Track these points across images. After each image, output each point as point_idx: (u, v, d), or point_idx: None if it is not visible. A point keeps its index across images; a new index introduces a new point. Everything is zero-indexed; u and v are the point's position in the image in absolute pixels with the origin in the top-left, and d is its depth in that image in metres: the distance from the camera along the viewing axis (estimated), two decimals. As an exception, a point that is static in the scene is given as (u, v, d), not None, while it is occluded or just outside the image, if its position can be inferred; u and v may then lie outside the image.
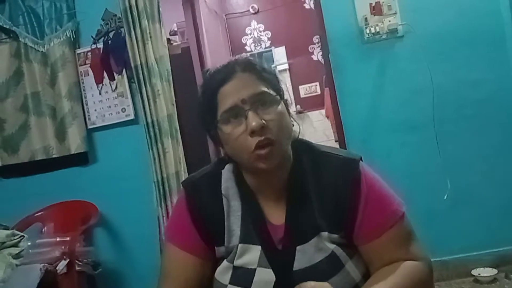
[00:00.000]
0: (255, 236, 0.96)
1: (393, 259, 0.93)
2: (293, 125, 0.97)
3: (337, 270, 0.91)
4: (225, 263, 0.97)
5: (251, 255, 0.94)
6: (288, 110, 0.97)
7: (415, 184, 2.36)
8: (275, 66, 5.26)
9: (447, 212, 2.40)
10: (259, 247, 0.94)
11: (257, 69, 0.93)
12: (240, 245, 0.95)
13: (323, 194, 0.95)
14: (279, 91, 0.95)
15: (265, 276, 0.92)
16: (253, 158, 0.90)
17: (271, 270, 0.93)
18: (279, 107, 0.92)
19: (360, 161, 0.98)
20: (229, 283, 0.94)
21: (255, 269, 0.93)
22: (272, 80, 0.95)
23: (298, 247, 0.93)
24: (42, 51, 2.69)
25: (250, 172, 0.98)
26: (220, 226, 0.98)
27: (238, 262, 0.95)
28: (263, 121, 0.87)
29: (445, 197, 2.35)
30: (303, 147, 1.01)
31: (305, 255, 0.92)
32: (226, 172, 1.02)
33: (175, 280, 0.99)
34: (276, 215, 0.97)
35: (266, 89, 0.91)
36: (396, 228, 0.94)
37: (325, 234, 0.93)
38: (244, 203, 0.98)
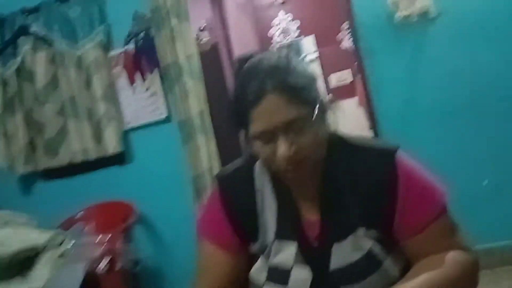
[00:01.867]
0: (291, 232, 0.94)
1: (437, 252, 0.89)
2: (327, 125, 0.92)
3: (375, 268, 0.89)
4: (261, 260, 0.96)
5: (287, 252, 0.93)
6: (324, 116, 0.91)
7: (455, 171, 2.26)
8: (305, 56, 5.21)
9: (490, 199, 2.32)
10: (295, 243, 0.93)
11: (289, 88, 0.83)
12: (276, 241, 0.94)
13: (359, 187, 0.91)
14: (315, 102, 0.87)
15: (302, 274, 0.91)
16: (281, 171, 0.88)
17: (308, 267, 0.91)
18: (313, 126, 0.85)
19: (397, 152, 0.92)
20: (266, 280, 0.93)
21: (292, 267, 0.92)
22: (306, 95, 0.85)
23: (334, 245, 0.90)
24: (76, 56, 2.76)
25: None
26: (254, 221, 0.97)
27: (273, 261, 0.93)
28: (293, 148, 0.83)
29: (486, 182, 2.27)
30: (337, 142, 0.96)
31: (342, 254, 0.90)
32: (259, 167, 0.99)
33: (210, 276, 0.99)
34: (311, 211, 0.95)
35: (298, 114, 0.83)
36: (439, 222, 0.89)
37: (362, 230, 0.90)
38: (279, 199, 0.96)
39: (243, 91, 0.86)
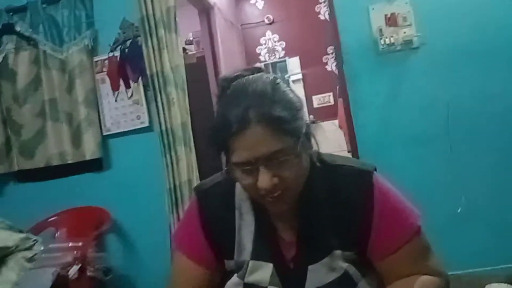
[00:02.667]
0: (267, 253, 0.93)
1: (410, 274, 0.90)
2: (311, 150, 0.91)
3: None
4: (235, 278, 0.95)
5: (263, 272, 0.92)
6: (308, 143, 0.89)
7: (428, 197, 2.32)
8: (289, 76, 5.28)
9: (461, 226, 2.37)
10: (270, 265, 0.92)
11: (274, 119, 0.80)
12: (251, 261, 0.93)
13: (336, 209, 0.91)
14: (299, 132, 0.83)
15: None
16: (261, 200, 0.87)
17: None
18: (296, 157, 0.83)
19: (374, 173, 0.93)
20: None
21: (266, 287, 0.91)
22: (291, 126, 0.82)
23: (310, 267, 0.90)
24: (60, 58, 2.73)
25: None
26: (231, 239, 0.95)
27: (249, 279, 0.93)
28: (274, 179, 0.81)
29: (459, 211, 2.32)
30: (316, 162, 0.95)
31: (317, 275, 0.90)
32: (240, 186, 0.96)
33: None
34: (288, 232, 0.94)
35: (281, 146, 0.80)
36: (412, 243, 0.90)
37: (338, 252, 0.90)
38: (257, 218, 0.95)
39: (226, 118, 0.82)
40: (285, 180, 0.82)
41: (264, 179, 0.80)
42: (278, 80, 0.87)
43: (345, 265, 0.89)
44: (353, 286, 0.90)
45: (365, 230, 0.89)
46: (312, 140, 0.91)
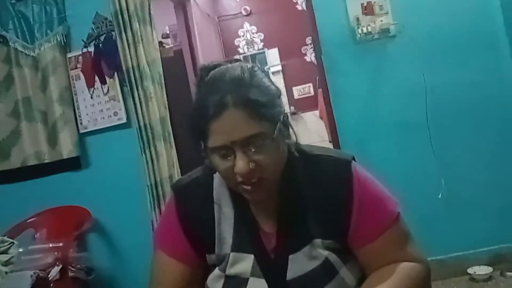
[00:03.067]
0: (247, 244, 0.93)
1: (390, 262, 0.91)
2: (289, 139, 0.91)
3: (331, 277, 0.89)
4: (216, 271, 0.95)
5: (244, 264, 0.92)
6: (286, 130, 0.89)
7: (409, 184, 2.36)
8: (268, 68, 5.26)
9: (442, 211, 2.41)
10: (251, 256, 0.92)
11: (251, 103, 0.80)
12: (232, 253, 0.93)
13: (315, 198, 0.91)
14: (277, 118, 0.84)
15: (258, 285, 0.90)
16: (239, 188, 0.87)
17: (264, 280, 0.91)
18: (274, 143, 0.83)
19: (353, 162, 0.94)
20: None
21: (247, 279, 0.91)
22: (268, 111, 0.83)
23: (290, 256, 0.90)
24: (32, 56, 2.67)
25: None
26: (210, 234, 0.95)
27: (230, 271, 0.93)
28: (251, 164, 0.81)
29: (440, 196, 2.35)
30: (295, 152, 0.95)
31: (298, 264, 0.90)
32: (218, 178, 0.97)
33: (163, 287, 0.97)
34: (268, 223, 0.94)
35: (259, 130, 0.80)
36: (392, 230, 0.91)
37: (318, 241, 0.90)
38: (237, 210, 0.95)
39: (203, 103, 0.83)
40: (261, 165, 0.82)
41: (241, 164, 0.80)
42: (256, 68, 0.88)
43: (325, 253, 0.90)
44: (335, 274, 0.90)
45: (345, 219, 0.90)
46: (290, 131, 0.91)
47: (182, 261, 0.97)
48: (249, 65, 0.88)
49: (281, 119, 0.85)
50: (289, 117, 0.92)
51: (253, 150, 0.81)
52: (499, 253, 2.39)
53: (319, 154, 0.96)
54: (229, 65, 0.89)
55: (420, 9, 2.40)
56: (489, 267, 2.35)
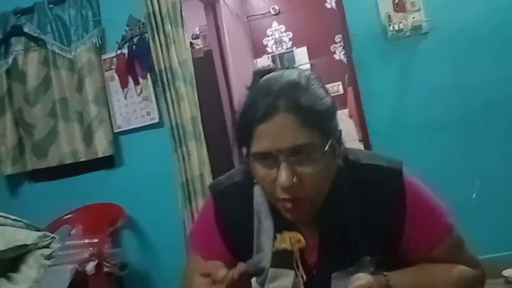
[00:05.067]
0: (287, 259, 0.85)
1: None
2: (339, 164, 0.84)
3: None
4: (254, 284, 0.91)
5: (284, 280, 0.87)
6: (338, 148, 0.82)
7: (441, 183, 2.29)
8: (298, 66, 5.26)
9: (476, 212, 2.34)
10: (292, 272, 0.86)
11: (303, 110, 0.74)
12: (271, 269, 0.88)
13: (364, 212, 0.85)
14: (330, 132, 0.78)
15: None
16: (278, 203, 0.81)
17: None
18: (322, 159, 0.76)
19: (403, 171, 0.88)
20: None
21: None
22: (321, 121, 0.77)
23: (333, 274, 0.85)
24: (69, 58, 2.75)
25: None
26: (249, 243, 0.91)
27: (269, 286, 0.89)
28: (295, 179, 0.75)
29: (474, 196, 2.30)
30: (341, 161, 0.87)
31: (342, 283, 0.82)
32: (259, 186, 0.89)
33: None
34: (310, 236, 0.88)
35: (308, 140, 0.74)
36: (446, 243, 0.87)
37: (367, 259, 0.85)
38: (277, 223, 0.89)
39: (253, 104, 0.77)
40: (306, 181, 0.76)
41: (284, 176, 0.74)
42: (314, 76, 0.83)
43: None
44: None
45: (397, 232, 0.85)
46: (342, 148, 0.85)
47: None
48: (307, 72, 0.83)
49: (334, 135, 0.79)
50: (342, 134, 0.84)
51: (298, 161, 0.75)
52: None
53: (368, 163, 0.88)
54: (286, 70, 0.84)
55: (452, 5, 2.35)
56: (525, 269, 2.29)
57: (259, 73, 0.85)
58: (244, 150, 0.81)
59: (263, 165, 0.78)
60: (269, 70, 0.85)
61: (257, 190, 0.92)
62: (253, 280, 0.93)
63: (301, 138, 0.74)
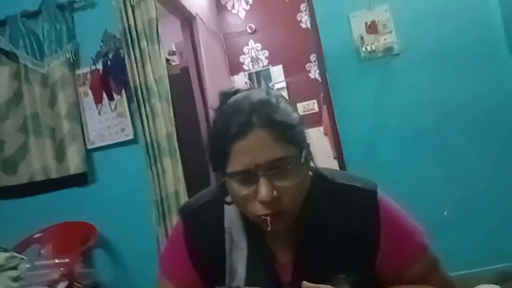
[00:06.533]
0: (262, 278, 0.85)
1: None
2: (311, 173, 0.86)
3: None
4: None
5: None
6: (309, 162, 0.85)
7: (415, 200, 2.34)
8: (273, 85, 5.31)
9: (448, 228, 2.39)
10: None
11: (277, 125, 0.77)
12: None
13: (339, 230, 0.86)
14: (302, 144, 0.81)
15: None
16: (257, 220, 0.80)
17: None
18: (298, 172, 0.79)
19: (378, 192, 0.89)
20: None
21: None
22: (294, 135, 0.79)
23: None
24: (42, 73, 2.70)
25: None
26: (221, 264, 0.89)
27: None
28: (275, 193, 0.76)
29: (445, 213, 2.35)
30: (316, 178, 0.88)
31: None
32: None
33: None
34: (284, 253, 0.88)
35: (285, 154, 0.76)
36: (421, 261, 0.88)
37: (342, 277, 0.83)
38: (250, 240, 0.88)
39: (226, 124, 0.78)
40: (286, 194, 0.77)
41: (264, 190, 0.75)
42: (280, 94, 0.86)
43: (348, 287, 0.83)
44: None
45: (372, 251, 0.86)
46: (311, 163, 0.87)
47: None
48: (274, 91, 0.85)
49: (306, 147, 0.82)
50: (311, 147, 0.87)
51: (277, 175, 0.76)
52: (507, 271, 2.36)
53: (342, 183, 0.90)
54: (253, 89, 0.86)
55: (423, 27, 2.44)
56: (496, 286, 2.32)
57: (225, 95, 0.86)
58: (220, 172, 0.81)
59: (240, 183, 0.78)
60: (235, 91, 0.86)
61: (228, 208, 0.91)
62: None
63: (278, 151, 0.76)
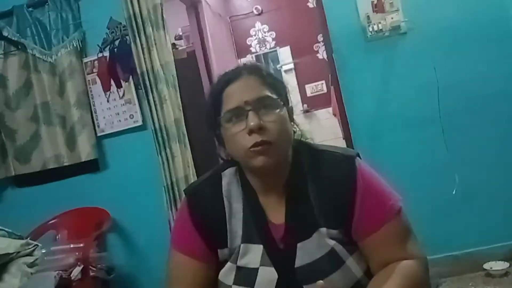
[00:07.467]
0: (256, 236, 0.98)
1: (390, 255, 0.95)
2: (294, 132, 1.01)
3: (338, 266, 0.93)
4: (228, 264, 1.00)
5: (253, 254, 0.97)
6: (291, 117, 1.01)
7: (423, 180, 2.36)
8: (281, 66, 5.28)
9: (457, 207, 2.40)
10: (261, 247, 0.97)
11: (263, 73, 0.97)
12: (242, 245, 0.98)
13: (321, 191, 0.97)
14: (283, 98, 0.98)
15: (267, 274, 0.95)
16: (249, 155, 0.92)
17: (273, 269, 0.95)
18: (281, 111, 0.95)
19: (357, 158, 1.00)
20: (233, 284, 0.97)
21: (257, 268, 0.96)
22: (277, 86, 0.98)
23: (299, 244, 0.95)
24: (50, 62, 2.73)
25: (251, 172, 1.00)
26: (222, 229, 1.00)
27: (241, 262, 0.97)
28: (262, 122, 0.91)
29: (454, 192, 2.34)
30: (302, 148, 1.03)
31: (306, 252, 0.94)
32: (228, 174, 1.04)
33: (182, 284, 1.03)
34: (277, 215, 0.99)
35: (269, 94, 0.94)
36: (393, 223, 0.95)
37: (324, 230, 0.95)
38: (246, 204, 1.01)
39: (220, 79, 0.99)
40: (271, 125, 0.92)
41: (252, 118, 0.90)
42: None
43: (332, 242, 0.94)
44: (341, 263, 0.94)
45: (349, 211, 0.95)
46: (296, 127, 1.03)
47: (197, 259, 1.02)
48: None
49: (288, 105, 1.00)
50: (293, 110, 1.05)
51: (263, 111, 0.92)
52: (515, 248, 2.38)
53: (325, 149, 1.03)
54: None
55: (430, 5, 2.40)
56: (506, 263, 2.33)
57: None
58: (216, 126, 0.98)
59: (234, 122, 0.94)
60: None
61: (225, 178, 1.04)
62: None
63: (264, 91, 0.95)
